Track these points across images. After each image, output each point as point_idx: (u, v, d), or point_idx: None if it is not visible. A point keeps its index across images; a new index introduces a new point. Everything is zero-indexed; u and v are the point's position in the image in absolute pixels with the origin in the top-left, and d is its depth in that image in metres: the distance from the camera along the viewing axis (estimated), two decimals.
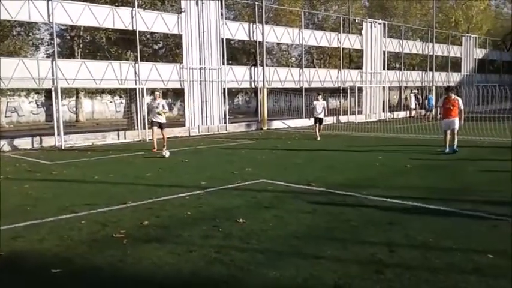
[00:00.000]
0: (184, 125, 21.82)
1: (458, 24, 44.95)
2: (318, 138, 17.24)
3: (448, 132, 12.34)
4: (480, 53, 42.64)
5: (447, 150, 12.26)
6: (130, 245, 5.15)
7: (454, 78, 39.03)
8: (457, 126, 12.33)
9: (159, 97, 14.38)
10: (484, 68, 43.66)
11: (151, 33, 26.65)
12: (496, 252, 4.62)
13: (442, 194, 7.47)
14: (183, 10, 21.31)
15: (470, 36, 40.84)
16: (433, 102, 28.23)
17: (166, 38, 30.53)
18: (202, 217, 6.31)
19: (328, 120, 27.69)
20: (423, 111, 29.56)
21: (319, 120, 17.89)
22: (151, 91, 15.47)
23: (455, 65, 40.29)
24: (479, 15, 45.94)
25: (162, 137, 13.97)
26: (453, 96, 12.44)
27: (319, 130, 17.74)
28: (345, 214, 6.30)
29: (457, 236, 5.22)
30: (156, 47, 33.84)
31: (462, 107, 12.41)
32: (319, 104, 17.84)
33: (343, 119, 27.95)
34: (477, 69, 41.67)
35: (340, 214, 6.31)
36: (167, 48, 33.63)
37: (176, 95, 41.86)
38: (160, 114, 13.91)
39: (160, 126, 14.04)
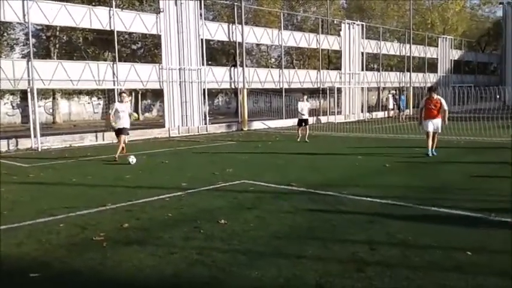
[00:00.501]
0: (163, 126, 21.67)
1: (434, 25, 45.77)
2: (299, 139, 16.89)
3: (430, 134, 11.75)
4: (456, 54, 43.51)
5: (430, 153, 11.69)
6: (110, 247, 5.08)
7: (431, 79, 39.70)
8: (439, 129, 11.94)
9: (126, 100, 13.13)
10: (460, 69, 44.55)
11: (130, 34, 26.47)
12: (475, 249, 4.70)
13: (420, 193, 7.58)
14: (161, 10, 21.17)
15: (446, 38, 41.61)
16: (405, 102, 28.83)
17: (144, 38, 30.34)
18: (183, 219, 6.27)
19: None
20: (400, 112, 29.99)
21: (304, 122, 17.22)
22: (119, 92, 13.49)
23: (431, 65, 41.02)
24: (455, 17, 46.85)
25: (119, 142, 12.53)
26: (435, 96, 11.87)
27: (305, 132, 17.05)
28: (325, 214, 6.34)
29: (436, 234, 5.30)
30: (134, 47, 33.56)
31: (446, 108, 11.86)
32: (305, 105, 17.25)
33: (323, 119, 28.17)
34: (453, 70, 42.49)
35: (321, 214, 6.35)
36: (145, 49, 33.40)
37: (155, 95, 41.55)
38: (130, 118, 12.67)
39: (126, 131, 12.63)
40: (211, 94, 41.12)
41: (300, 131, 17.25)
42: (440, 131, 12.04)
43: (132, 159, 11.63)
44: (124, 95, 12.85)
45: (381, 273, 4.16)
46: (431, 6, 47.93)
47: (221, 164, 11.49)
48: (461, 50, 45.08)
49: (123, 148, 12.51)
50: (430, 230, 5.45)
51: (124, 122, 12.40)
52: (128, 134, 12.94)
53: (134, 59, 27.98)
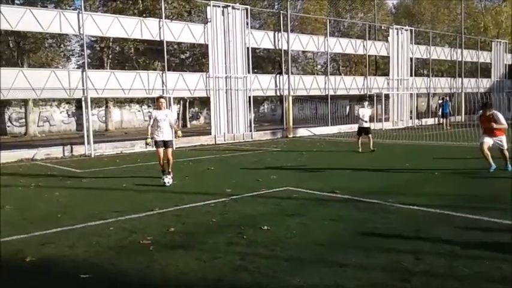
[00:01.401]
0: (210, 133, 22.03)
1: (488, 29, 44.13)
2: (360, 150, 15.08)
3: (485, 146, 10.15)
4: (511, 59, 41.64)
5: (492, 168, 10.12)
6: (157, 251, 5.24)
7: (484, 84, 38.20)
8: (505, 145, 10.20)
9: (165, 106, 10.39)
10: None
11: (178, 43, 27.12)
12: None
13: (470, 202, 7.32)
14: (209, 20, 21.62)
15: (500, 42, 39.95)
16: (450, 108, 27.70)
17: (192, 48, 31.00)
18: (227, 224, 6.37)
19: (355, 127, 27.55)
20: (453, 118, 29.00)
21: (365, 130, 15.50)
22: (157, 97, 10.89)
23: (485, 70, 39.45)
24: (509, 20, 44.95)
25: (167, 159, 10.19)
26: (489, 112, 10.13)
27: (369, 140, 15.34)
28: (370, 221, 6.25)
29: (485, 244, 5.11)
30: (182, 56, 34.39)
31: (504, 123, 10.03)
32: (366, 112, 15.56)
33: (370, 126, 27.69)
34: (508, 75, 40.67)
35: (365, 221, 6.26)
36: (193, 58, 34.14)
37: (202, 103, 42.37)
38: (173, 131, 10.55)
39: (166, 145, 10.18)
40: (257, 101, 41.44)
41: (359, 141, 15.52)
42: (506, 147, 10.27)
43: (168, 181, 9.70)
44: (162, 100, 10.27)
45: (426, 284, 4.06)
46: (484, 9, 46.27)
47: (265, 170, 11.55)
48: None
49: (163, 165, 10.22)
50: (478, 240, 5.25)
51: (165, 133, 10.12)
52: (170, 147, 10.32)
53: (183, 68, 28.66)
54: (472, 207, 6.91)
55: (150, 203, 7.84)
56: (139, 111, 42.02)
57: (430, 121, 32.10)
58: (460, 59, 35.79)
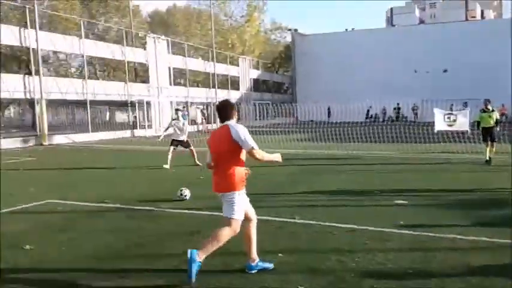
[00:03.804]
0: None
1: (235, 46, 49.24)
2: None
3: None
4: (255, 74, 47.50)
5: None
6: None
7: (234, 95, 42.44)
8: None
9: None
10: (259, 87, 48.79)
11: None
12: (285, 250, 5.14)
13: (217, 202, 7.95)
14: None
15: (245, 58, 45.12)
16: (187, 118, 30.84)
17: None
18: None
19: (119, 134, 26.99)
20: (209, 126, 31.44)
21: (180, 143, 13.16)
22: None
23: (234, 83, 43.92)
24: (252, 39, 51.21)
25: None
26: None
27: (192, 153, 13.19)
28: (144, 229, 6.16)
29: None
30: None
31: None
32: (181, 123, 13.18)
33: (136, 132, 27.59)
34: (253, 88, 46.26)
35: (140, 229, 6.15)
36: None
37: None
38: None
39: None
40: (1, 105, 36.33)
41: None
42: None
43: None
44: None
45: (200, 280, 4.23)
46: (231, 27, 51.51)
47: (20, 183, 10.22)
48: (258, 70, 49.44)
49: None
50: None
51: None
52: None
53: None
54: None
55: None
56: None
57: (189, 128, 33.81)
58: (213, 72, 38.88)
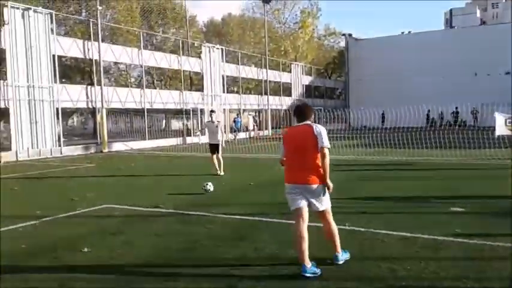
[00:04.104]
0: (10, 149, 19.54)
1: (287, 53, 49.34)
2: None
3: None
4: (307, 80, 47.32)
5: None
6: None
7: (286, 101, 42.48)
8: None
9: None
10: (311, 93, 48.55)
11: None
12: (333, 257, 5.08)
13: (284, 208, 7.95)
14: (6, 22, 19.27)
15: (298, 64, 45.08)
16: (239, 124, 31.37)
17: None
18: (40, 249, 5.70)
19: (172, 141, 27.75)
20: (261, 132, 31.65)
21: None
22: None
23: (286, 89, 43.98)
24: (305, 45, 51.11)
25: None
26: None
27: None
28: (195, 234, 6.30)
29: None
30: None
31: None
32: (214, 125, 12.96)
33: (187, 140, 28.23)
34: (305, 94, 46.09)
35: (191, 234, 6.29)
36: None
37: None
38: None
39: None
40: (65, 114, 38.36)
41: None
42: None
43: None
44: None
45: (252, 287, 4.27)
46: (284, 34, 51.69)
47: (80, 188, 10.75)
48: (311, 76, 49.22)
49: None
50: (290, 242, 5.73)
51: None
52: None
53: None
54: (286, 213, 7.52)
55: None
56: None
57: (242, 135, 34.25)
58: (265, 79, 39.15)
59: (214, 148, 12.80)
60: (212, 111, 13.66)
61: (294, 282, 4.41)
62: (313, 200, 4.64)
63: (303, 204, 4.65)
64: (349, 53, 52.40)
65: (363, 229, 6.25)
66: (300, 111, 4.86)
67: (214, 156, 12.68)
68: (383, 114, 37.17)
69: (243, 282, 4.40)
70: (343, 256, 4.86)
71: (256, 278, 4.50)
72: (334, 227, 4.84)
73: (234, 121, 32.81)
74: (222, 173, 12.42)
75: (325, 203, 4.69)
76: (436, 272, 4.57)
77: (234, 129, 31.63)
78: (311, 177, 4.60)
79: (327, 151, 4.61)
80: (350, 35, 54.20)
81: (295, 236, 4.67)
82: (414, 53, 45.91)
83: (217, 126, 12.75)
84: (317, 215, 4.78)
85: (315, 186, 4.59)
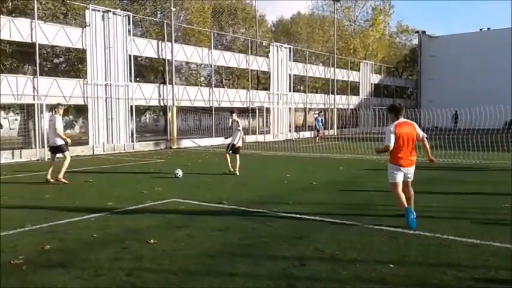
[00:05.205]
0: (87, 143, 20.82)
1: (357, 51, 48.33)
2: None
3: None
4: (376, 79, 46.11)
5: None
6: (31, 271, 4.76)
7: (354, 101, 41.67)
8: None
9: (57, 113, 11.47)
10: (380, 92, 47.25)
11: (52, 47, 25.30)
12: (396, 261, 4.95)
13: (345, 209, 7.87)
14: (87, 24, 20.54)
15: (367, 63, 44.03)
16: (320, 123, 30.31)
17: (68, 52, 29.10)
18: (110, 239, 6.04)
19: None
20: (326, 132, 31.22)
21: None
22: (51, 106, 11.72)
23: (354, 88, 43.14)
24: (375, 43, 49.79)
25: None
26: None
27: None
28: (256, 230, 6.38)
29: (361, 247, 5.51)
30: (56, 61, 32.10)
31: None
32: (234, 126, 13.22)
33: (251, 138, 28.52)
34: (373, 93, 44.94)
35: (252, 230, 6.39)
36: (69, 63, 32.03)
37: (78, 112, 39.88)
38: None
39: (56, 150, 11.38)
40: (138, 111, 40.23)
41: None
42: None
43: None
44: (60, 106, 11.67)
45: None
46: (354, 32, 50.67)
47: (150, 182, 11.23)
48: (380, 75, 47.88)
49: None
50: (355, 244, 5.64)
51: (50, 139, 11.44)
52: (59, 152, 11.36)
53: (56, 73, 26.66)
54: (347, 213, 7.43)
55: (20, 219, 7.13)
56: (5, 118, 38.14)
57: (306, 134, 34.03)
58: (332, 77, 38.64)
59: (233, 148, 12.97)
60: (231, 111, 13.58)
61: (354, 283, 4.34)
62: (409, 175, 6.64)
63: (401, 178, 6.58)
64: (422, 51, 50.39)
65: (428, 234, 6.02)
66: (401, 109, 6.65)
67: (233, 155, 12.78)
68: (455, 114, 35.40)
69: (302, 282, 4.40)
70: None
71: (316, 279, 4.49)
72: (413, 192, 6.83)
73: (316, 119, 31.73)
74: (237, 173, 12.54)
75: (412, 176, 6.71)
76: (508, 281, 4.31)
77: (317, 128, 30.66)
78: (413, 162, 6.64)
79: (426, 139, 6.72)
80: (424, 32, 52.14)
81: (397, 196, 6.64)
82: (492, 51, 43.26)
83: (238, 127, 12.89)
84: (406, 184, 6.65)
85: (411, 167, 6.65)
